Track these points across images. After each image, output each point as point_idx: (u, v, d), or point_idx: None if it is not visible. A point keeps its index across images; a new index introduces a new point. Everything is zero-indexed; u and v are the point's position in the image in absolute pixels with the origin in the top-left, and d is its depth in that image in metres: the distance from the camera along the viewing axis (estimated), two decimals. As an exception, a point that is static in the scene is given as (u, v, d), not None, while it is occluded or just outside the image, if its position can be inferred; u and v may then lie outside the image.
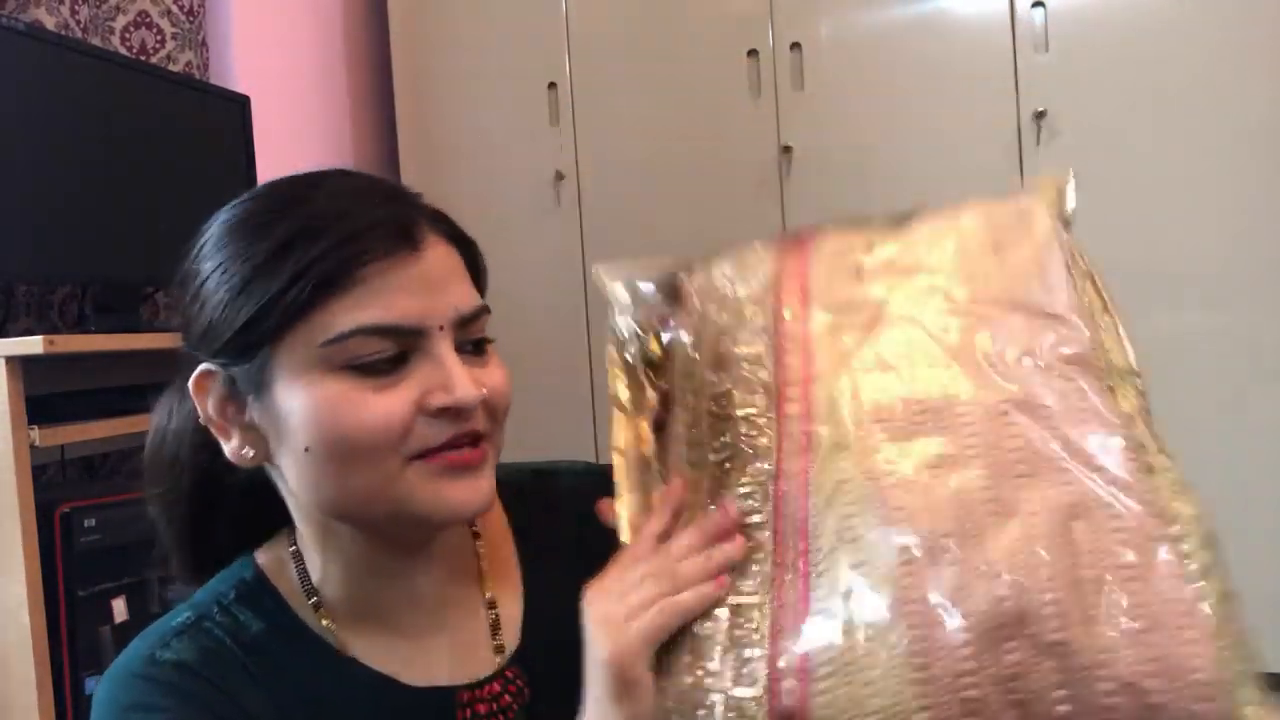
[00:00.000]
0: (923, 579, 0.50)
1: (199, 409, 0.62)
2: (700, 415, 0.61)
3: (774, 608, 0.54)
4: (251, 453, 0.61)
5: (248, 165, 2.16)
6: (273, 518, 0.67)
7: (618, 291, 0.65)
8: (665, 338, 0.63)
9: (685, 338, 0.63)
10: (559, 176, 2.48)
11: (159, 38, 2.25)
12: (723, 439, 0.60)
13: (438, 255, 0.60)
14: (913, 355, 0.57)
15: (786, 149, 2.30)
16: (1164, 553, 0.49)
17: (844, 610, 0.51)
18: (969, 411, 0.54)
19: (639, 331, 0.64)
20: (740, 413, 0.60)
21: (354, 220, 0.57)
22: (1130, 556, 0.49)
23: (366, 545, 0.63)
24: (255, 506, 0.67)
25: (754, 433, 0.59)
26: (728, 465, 0.59)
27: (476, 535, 0.71)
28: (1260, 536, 1.99)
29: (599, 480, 0.69)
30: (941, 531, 0.51)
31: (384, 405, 0.57)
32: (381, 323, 0.57)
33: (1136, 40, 2.06)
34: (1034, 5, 2.12)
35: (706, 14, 2.36)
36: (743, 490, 0.58)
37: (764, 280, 0.63)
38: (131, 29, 2.20)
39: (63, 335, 1.63)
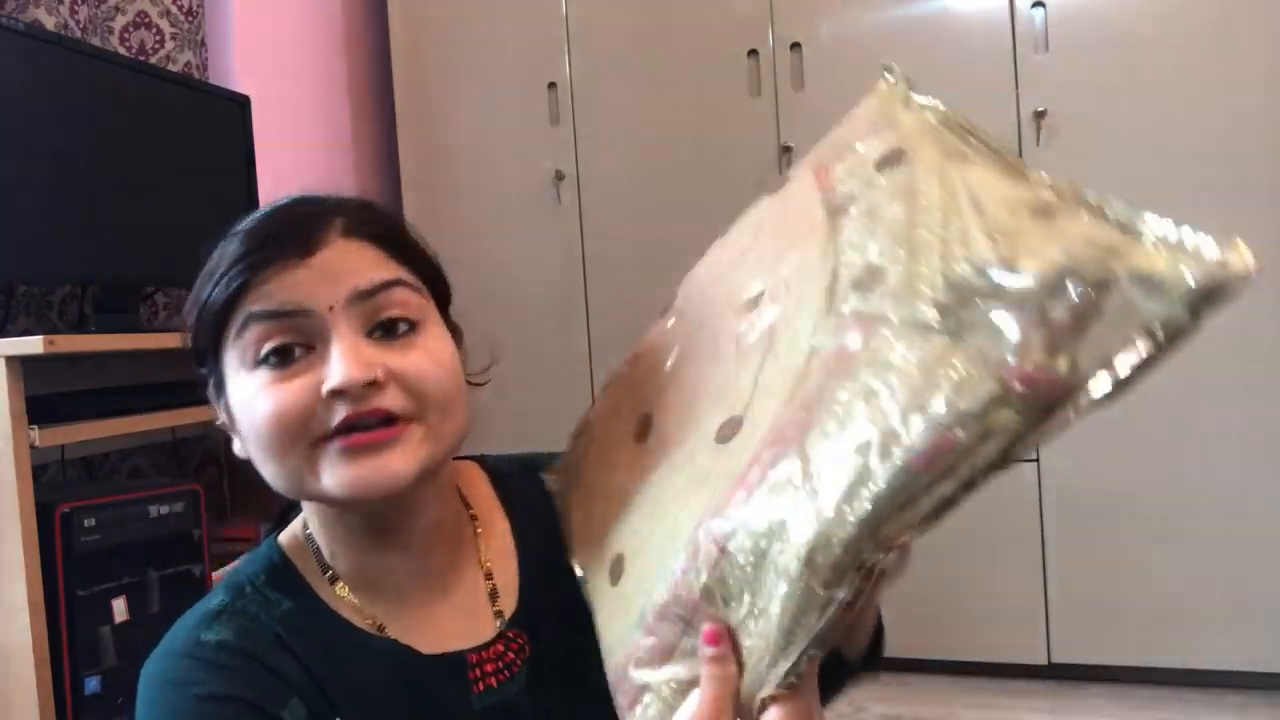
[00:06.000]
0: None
1: (215, 412, 0.68)
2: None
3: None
4: (243, 449, 0.66)
5: (248, 165, 2.15)
6: None
7: None
8: None
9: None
10: (559, 176, 2.48)
11: (158, 38, 2.25)
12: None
13: (336, 253, 0.63)
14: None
15: (786, 149, 2.30)
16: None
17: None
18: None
19: None
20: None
21: (257, 238, 0.63)
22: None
23: (356, 520, 0.67)
24: None
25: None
26: None
27: (474, 517, 0.75)
28: (1261, 536, 1.99)
29: None
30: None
31: (283, 394, 0.61)
32: (264, 308, 0.61)
33: (1136, 40, 2.06)
34: (1034, 5, 2.12)
35: (706, 14, 2.37)
36: None
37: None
38: (131, 29, 2.20)
39: (63, 335, 1.63)
